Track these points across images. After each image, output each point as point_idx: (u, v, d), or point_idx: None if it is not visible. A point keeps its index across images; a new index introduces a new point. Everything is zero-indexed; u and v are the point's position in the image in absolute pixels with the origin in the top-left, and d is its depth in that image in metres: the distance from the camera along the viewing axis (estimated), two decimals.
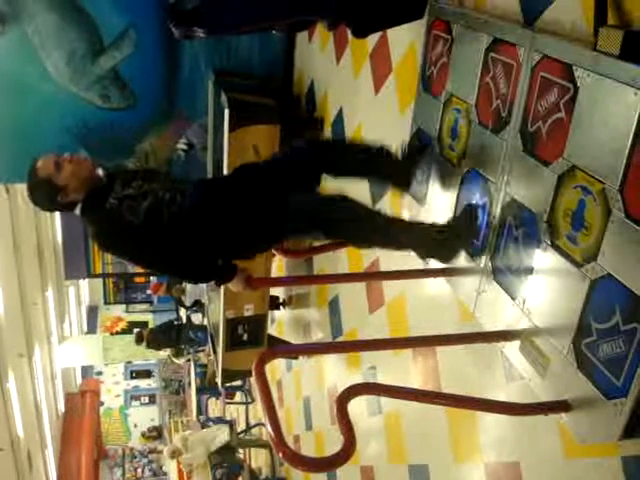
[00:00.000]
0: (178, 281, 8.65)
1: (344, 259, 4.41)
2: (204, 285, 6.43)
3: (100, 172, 2.77)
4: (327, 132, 4.78)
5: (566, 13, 2.13)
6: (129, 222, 2.61)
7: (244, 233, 2.77)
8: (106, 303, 20.23)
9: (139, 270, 16.63)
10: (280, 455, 1.87)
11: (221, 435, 8.07)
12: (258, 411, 8.45)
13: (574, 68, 1.89)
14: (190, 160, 5.69)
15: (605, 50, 1.79)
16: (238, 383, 8.22)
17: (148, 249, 2.70)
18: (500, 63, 2.28)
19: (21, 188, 7.89)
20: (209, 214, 2.75)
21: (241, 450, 8.42)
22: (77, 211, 2.74)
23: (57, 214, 11.87)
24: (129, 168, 3.01)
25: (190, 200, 2.71)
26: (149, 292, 17.28)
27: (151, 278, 15.35)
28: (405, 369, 3.47)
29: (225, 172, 4.49)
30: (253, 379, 2.25)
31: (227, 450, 8.07)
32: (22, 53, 4.87)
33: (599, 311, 1.83)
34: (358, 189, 4.12)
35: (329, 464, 1.80)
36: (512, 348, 2.26)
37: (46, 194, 2.72)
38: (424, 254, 2.80)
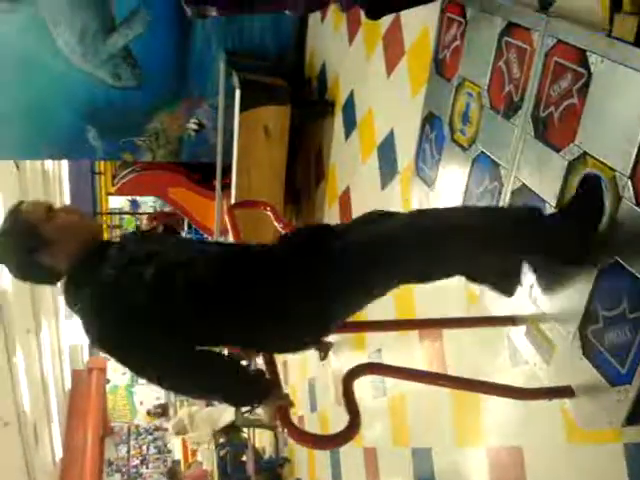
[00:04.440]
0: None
1: None
2: None
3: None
4: (338, 115, 4.77)
5: None
6: (134, 300, 1.77)
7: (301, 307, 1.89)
8: None
9: None
10: (286, 431, 1.88)
11: (226, 414, 8.14)
12: None
13: (588, 54, 1.88)
14: (200, 140, 5.70)
15: (620, 36, 1.78)
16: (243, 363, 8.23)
17: (156, 340, 1.79)
18: (514, 47, 2.27)
19: (31, 164, 7.92)
20: (251, 278, 1.90)
21: (245, 429, 8.47)
22: (59, 286, 1.92)
23: (67, 192, 11.83)
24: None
25: (218, 262, 1.92)
26: None
27: None
28: (411, 352, 3.48)
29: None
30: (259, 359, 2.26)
31: (232, 429, 8.13)
32: (33, 31, 4.87)
33: (606, 298, 1.83)
34: (368, 176, 4.12)
35: (335, 440, 1.81)
36: (518, 333, 2.27)
37: (21, 244, 1.85)
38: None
